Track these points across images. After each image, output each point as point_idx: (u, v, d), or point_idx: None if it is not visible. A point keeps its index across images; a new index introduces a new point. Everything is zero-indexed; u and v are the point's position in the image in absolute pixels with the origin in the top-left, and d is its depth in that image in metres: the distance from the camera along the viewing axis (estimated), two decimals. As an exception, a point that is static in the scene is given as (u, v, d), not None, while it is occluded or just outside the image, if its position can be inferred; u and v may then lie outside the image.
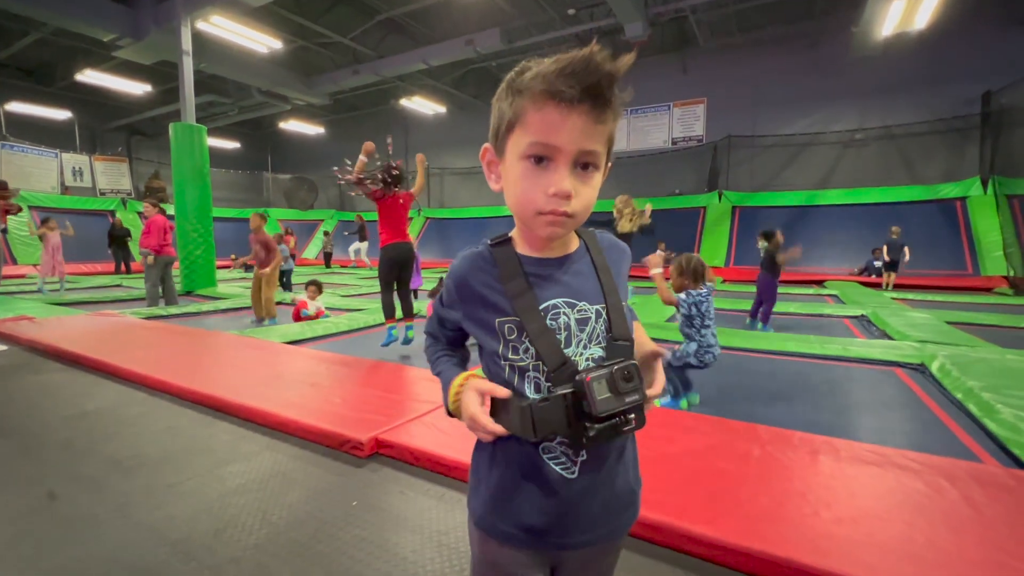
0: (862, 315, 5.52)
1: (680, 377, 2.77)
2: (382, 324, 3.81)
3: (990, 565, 1.20)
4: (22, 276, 10.10)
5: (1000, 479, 1.60)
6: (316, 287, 5.54)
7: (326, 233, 16.29)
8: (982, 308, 6.25)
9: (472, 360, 0.77)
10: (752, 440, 1.89)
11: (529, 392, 0.63)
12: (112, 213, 13.32)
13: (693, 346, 2.68)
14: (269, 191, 18.68)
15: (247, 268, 10.33)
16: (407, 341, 4.01)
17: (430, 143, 17.13)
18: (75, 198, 13.57)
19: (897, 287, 8.58)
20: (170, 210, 8.28)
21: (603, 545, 0.70)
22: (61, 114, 13.97)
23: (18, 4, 8.26)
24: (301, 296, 5.67)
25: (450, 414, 0.70)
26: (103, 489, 1.73)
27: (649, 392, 0.61)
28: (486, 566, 0.71)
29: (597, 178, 0.61)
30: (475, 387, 0.64)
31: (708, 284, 2.73)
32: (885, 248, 8.80)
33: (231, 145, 18.46)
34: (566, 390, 0.58)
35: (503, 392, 0.62)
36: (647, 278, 2.82)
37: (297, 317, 5.48)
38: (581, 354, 0.63)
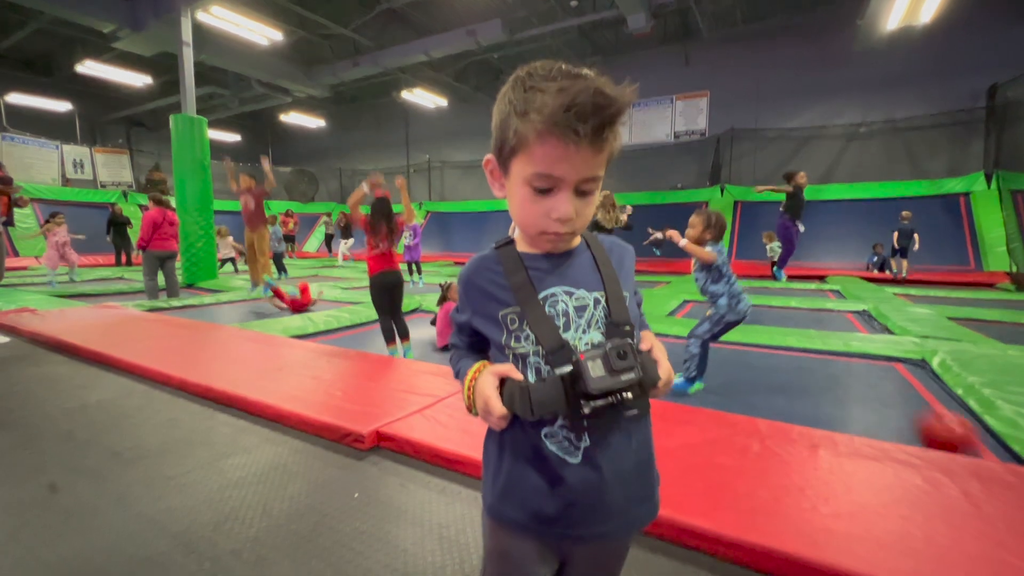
0: (864, 310, 5.51)
1: (702, 357, 2.77)
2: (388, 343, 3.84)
3: (987, 560, 1.20)
4: (24, 268, 10.11)
5: (999, 475, 1.60)
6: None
7: (327, 214, 16.27)
8: (984, 304, 6.24)
9: None
10: (751, 434, 1.90)
11: (531, 378, 0.65)
12: (113, 205, 13.32)
13: (724, 300, 2.64)
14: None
15: (241, 255, 10.33)
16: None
17: (431, 136, 17.07)
18: (76, 190, 13.56)
19: (890, 282, 8.50)
20: (172, 203, 8.28)
21: (613, 541, 0.71)
22: (61, 105, 13.91)
23: (17, -6, 8.22)
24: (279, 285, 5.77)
25: (469, 409, 0.71)
26: (104, 481, 1.74)
27: (660, 384, 0.63)
28: (496, 556, 0.73)
29: (597, 192, 0.65)
30: (491, 371, 0.66)
31: None
32: (896, 235, 8.59)
33: (232, 137, 18.40)
34: (563, 370, 0.60)
35: (518, 374, 0.64)
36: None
37: (295, 307, 5.51)
38: (580, 339, 0.66)
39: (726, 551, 1.30)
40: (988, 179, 9.67)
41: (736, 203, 11.90)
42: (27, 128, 13.42)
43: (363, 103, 17.67)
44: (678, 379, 2.76)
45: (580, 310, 0.66)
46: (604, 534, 0.67)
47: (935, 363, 3.21)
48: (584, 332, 0.66)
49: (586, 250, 0.71)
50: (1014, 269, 8.31)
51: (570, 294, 0.67)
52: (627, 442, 0.67)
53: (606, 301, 0.67)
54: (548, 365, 0.64)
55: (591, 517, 0.66)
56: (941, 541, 1.27)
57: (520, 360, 0.66)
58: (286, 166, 19.10)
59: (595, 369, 0.58)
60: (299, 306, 5.59)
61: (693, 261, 2.79)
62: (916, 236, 8.51)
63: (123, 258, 11.41)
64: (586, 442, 0.65)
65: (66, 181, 13.92)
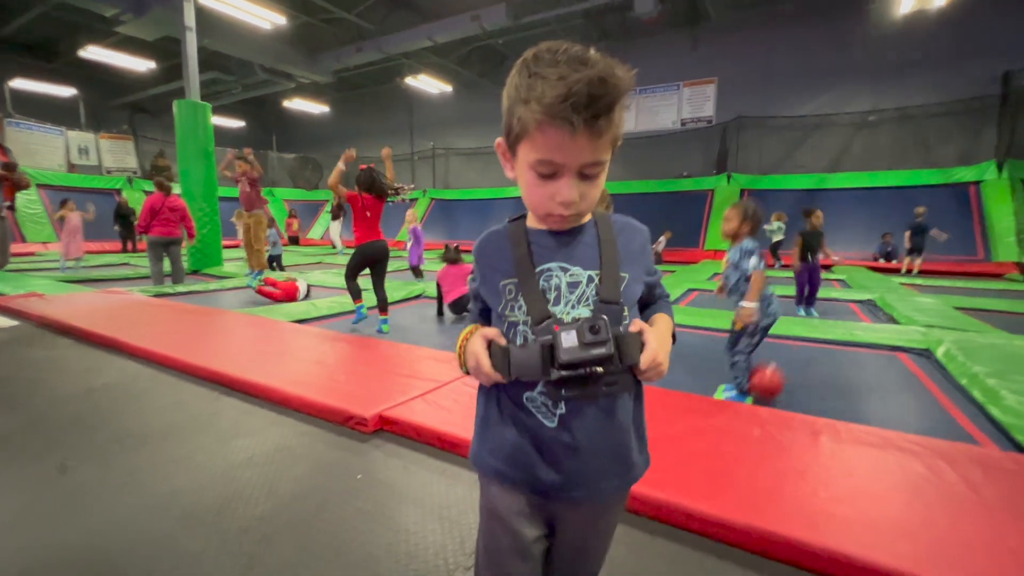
0: (869, 300, 5.48)
1: (748, 364, 2.62)
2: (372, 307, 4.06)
3: (985, 544, 1.20)
4: (31, 254, 10.19)
5: (999, 462, 1.60)
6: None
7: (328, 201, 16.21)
8: (991, 294, 6.19)
9: None
10: (753, 421, 1.90)
11: (518, 343, 0.70)
12: (119, 192, 13.36)
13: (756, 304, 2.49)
14: (274, 170, 18.61)
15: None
16: (381, 331, 4.06)
17: (435, 123, 16.95)
18: (82, 176, 13.60)
19: (897, 272, 8.43)
20: (176, 189, 8.27)
21: (589, 507, 0.74)
22: (65, 91, 13.90)
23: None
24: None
25: (461, 367, 0.74)
26: (111, 462, 1.77)
27: (641, 365, 0.65)
28: (486, 514, 0.76)
29: (603, 175, 0.66)
30: (480, 333, 0.71)
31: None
32: (909, 233, 8.49)
33: (236, 124, 18.36)
34: (544, 339, 0.64)
35: (503, 339, 0.69)
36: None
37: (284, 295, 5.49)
38: (568, 313, 0.69)
39: (726, 534, 1.31)
40: (1000, 168, 9.53)
41: (742, 191, 11.80)
42: (32, 114, 13.42)
43: (367, 90, 17.55)
44: (731, 391, 2.64)
45: (573, 286, 0.70)
46: (578, 499, 0.71)
47: (939, 352, 3.20)
48: (573, 307, 0.69)
49: (592, 228, 0.73)
50: (1023, 259, 8.22)
51: (565, 270, 0.70)
52: (605, 419, 0.70)
53: (599, 280, 0.69)
54: (533, 335, 0.68)
55: (565, 479, 0.70)
56: (940, 526, 1.27)
57: (512, 328, 0.71)
58: (290, 153, 19.05)
59: (568, 340, 0.62)
60: (286, 298, 5.54)
61: (726, 258, 2.67)
62: (936, 232, 8.32)
63: (129, 246, 11.53)
64: (562, 410, 0.69)
65: (71, 167, 13.95)
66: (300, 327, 3.58)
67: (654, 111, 13.33)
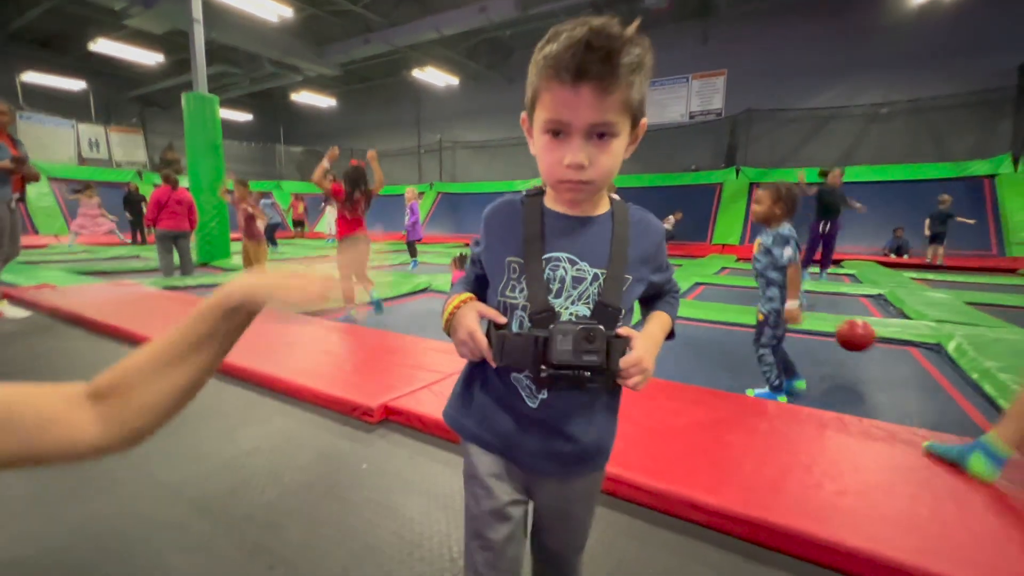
0: (879, 294, 5.42)
1: (781, 358, 2.47)
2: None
3: (993, 538, 1.19)
4: (43, 246, 10.30)
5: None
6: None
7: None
8: (1004, 289, 6.10)
9: None
10: (760, 414, 1.89)
11: (514, 328, 0.70)
12: (128, 185, 13.46)
13: (776, 291, 2.37)
14: (281, 164, 18.68)
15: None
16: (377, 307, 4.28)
17: (442, 115, 16.89)
18: (92, 168, 13.71)
19: (914, 267, 8.32)
20: (184, 182, 8.33)
21: (557, 482, 0.75)
22: (75, 84, 13.99)
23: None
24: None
25: (445, 330, 0.75)
26: (123, 448, 1.79)
27: (621, 372, 0.65)
28: (467, 479, 0.77)
29: (616, 144, 0.64)
30: (476, 308, 0.71)
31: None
32: (928, 221, 8.38)
33: (243, 117, 18.40)
34: (540, 334, 0.65)
35: (502, 319, 0.69)
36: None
37: None
38: (567, 308, 0.68)
39: (731, 526, 1.31)
40: (1015, 161, 9.34)
41: (751, 185, 11.67)
42: (43, 107, 13.54)
43: (374, 83, 17.50)
44: (762, 391, 2.50)
45: (577, 281, 0.69)
46: (544, 471, 0.73)
47: (951, 347, 3.16)
48: (573, 303, 0.68)
49: (608, 221, 0.71)
50: (1038, 254, 8.09)
51: (573, 263, 0.69)
52: (583, 407, 0.71)
53: (604, 280, 0.68)
54: (530, 324, 0.68)
55: (535, 454, 0.72)
56: (947, 519, 1.26)
57: (509, 310, 0.70)
58: (297, 146, 19.09)
59: (562, 343, 0.63)
60: None
61: (757, 240, 2.51)
62: (958, 219, 8.20)
63: (139, 237, 11.59)
64: (544, 395, 0.70)
65: (82, 160, 14.07)
66: (307, 318, 3.60)
67: (662, 103, 13.20)
